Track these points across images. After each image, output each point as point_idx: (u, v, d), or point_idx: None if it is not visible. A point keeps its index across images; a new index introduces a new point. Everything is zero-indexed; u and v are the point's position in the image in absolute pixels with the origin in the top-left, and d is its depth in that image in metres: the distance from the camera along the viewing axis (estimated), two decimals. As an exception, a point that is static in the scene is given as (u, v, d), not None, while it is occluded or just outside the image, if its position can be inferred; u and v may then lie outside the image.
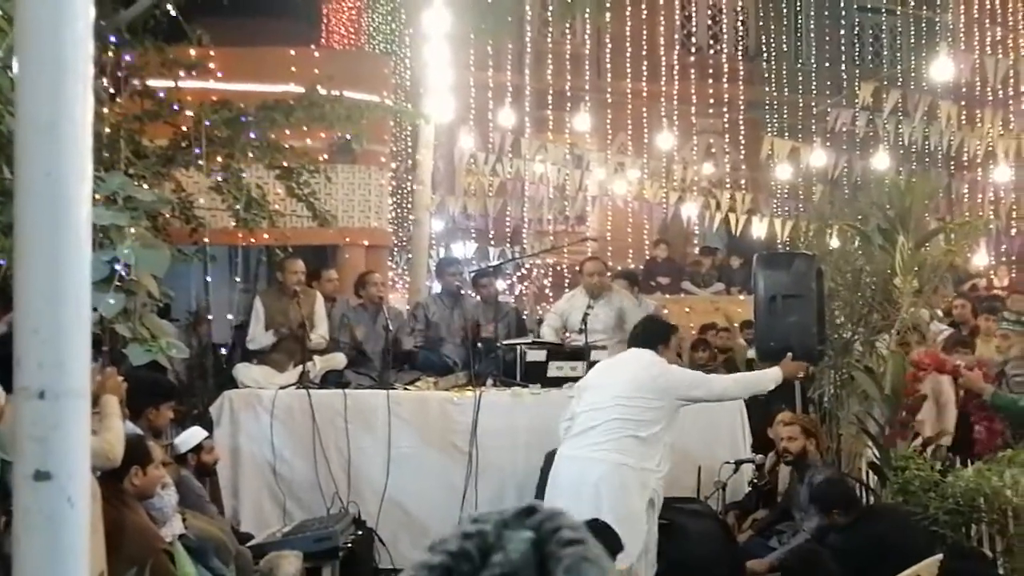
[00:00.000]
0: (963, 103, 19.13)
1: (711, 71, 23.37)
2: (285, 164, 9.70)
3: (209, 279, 9.86)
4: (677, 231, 21.62)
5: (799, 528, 7.05)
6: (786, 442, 7.33)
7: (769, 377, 6.86)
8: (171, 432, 7.62)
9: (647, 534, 6.25)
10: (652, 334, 6.73)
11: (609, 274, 10.17)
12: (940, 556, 5.48)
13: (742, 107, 23.09)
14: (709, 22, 24.43)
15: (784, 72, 23.55)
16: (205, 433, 7.37)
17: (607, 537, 5.35)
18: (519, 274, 19.49)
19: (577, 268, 12.35)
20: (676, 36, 23.56)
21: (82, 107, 1.66)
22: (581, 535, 1.14)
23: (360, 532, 7.53)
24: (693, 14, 24.09)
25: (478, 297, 9.85)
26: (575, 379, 8.42)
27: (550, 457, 7.90)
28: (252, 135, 9.25)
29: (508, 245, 20.07)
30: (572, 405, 6.56)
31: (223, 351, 10.60)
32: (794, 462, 7.40)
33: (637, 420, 6.14)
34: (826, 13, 23.73)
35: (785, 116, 22.86)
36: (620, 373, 6.38)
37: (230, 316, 10.54)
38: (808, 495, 6.90)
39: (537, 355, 8.57)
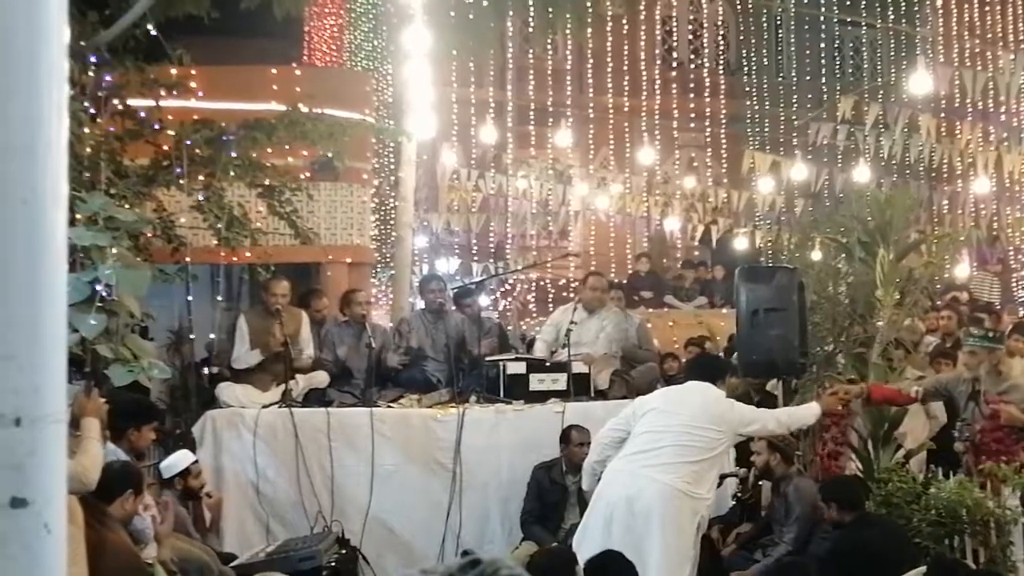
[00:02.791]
0: (943, 116, 19.24)
1: (692, 86, 23.44)
2: (267, 182, 9.68)
3: (191, 298, 9.79)
4: (661, 245, 21.70)
5: (780, 541, 7.07)
6: (754, 456, 7.43)
7: (812, 412, 7.00)
8: (153, 453, 7.59)
9: (695, 558, 6.31)
10: (714, 369, 7.06)
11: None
12: (923, 569, 5.50)
13: (723, 121, 23.17)
14: (690, 37, 24.51)
15: (765, 86, 23.62)
16: (193, 457, 7.33)
17: (621, 565, 5.36)
18: (502, 290, 19.48)
19: (572, 282, 12.39)
20: (657, 51, 23.64)
21: (57, 132, 1.65)
22: (519, 572, 1.17)
23: (344, 551, 7.50)
24: (674, 29, 24.16)
25: (462, 314, 9.83)
26: (558, 392, 8.45)
27: (537, 472, 7.93)
28: (233, 154, 9.23)
29: (491, 261, 20.06)
30: (626, 416, 6.61)
31: (206, 370, 10.55)
32: (762, 476, 7.48)
33: (699, 448, 6.28)
34: (806, 27, 23.82)
35: (766, 130, 22.94)
36: (688, 402, 6.48)
37: (212, 335, 10.51)
38: (818, 490, 6.99)
39: (517, 367, 8.58)
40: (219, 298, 11.77)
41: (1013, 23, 21.69)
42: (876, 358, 8.05)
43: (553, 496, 7.83)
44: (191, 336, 10.13)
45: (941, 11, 22.22)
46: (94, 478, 4.74)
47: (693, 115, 23.04)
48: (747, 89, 23.65)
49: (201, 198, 9.16)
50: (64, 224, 1.67)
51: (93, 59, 8.52)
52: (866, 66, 24.32)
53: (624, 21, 22.39)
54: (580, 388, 8.55)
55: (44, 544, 1.63)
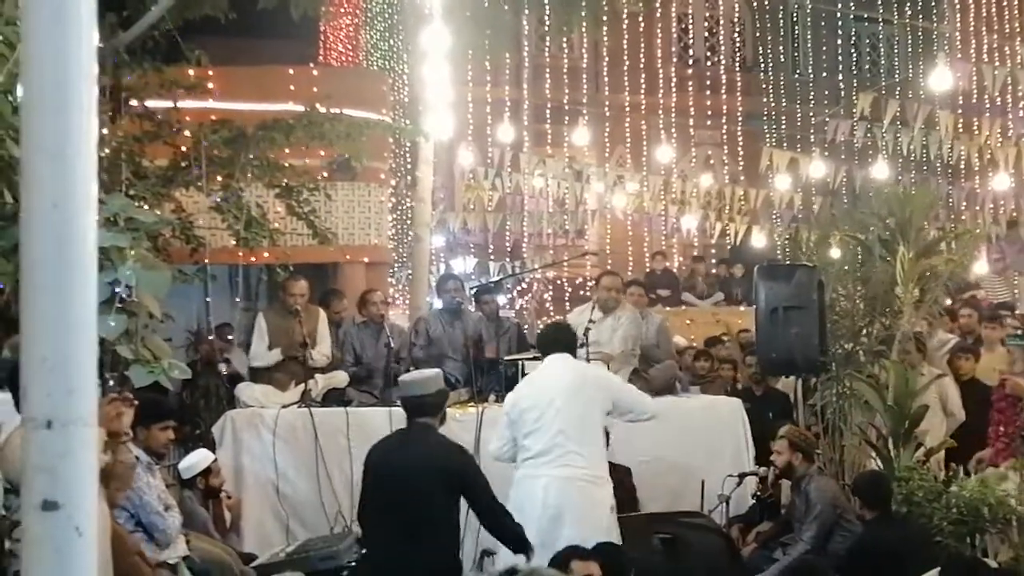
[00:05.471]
0: (961, 112, 19.14)
1: (709, 83, 23.42)
2: (285, 182, 9.70)
3: (210, 299, 9.82)
4: (679, 243, 21.69)
5: (800, 539, 7.04)
6: (775, 456, 7.38)
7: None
8: (173, 454, 7.60)
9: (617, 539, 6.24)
10: (569, 339, 6.79)
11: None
12: (937, 570, 5.47)
13: (740, 119, 23.13)
14: (706, 34, 24.49)
15: (782, 83, 23.58)
16: (212, 457, 7.35)
17: (615, 557, 5.34)
18: (519, 289, 19.48)
19: (589, 281, 12.39)
20: (673, 49, 23.62)
21: (87, 136, 1.66)
22: None
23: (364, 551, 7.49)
24: (690, 27, 24.14)
25: (479, 313, 9.81)
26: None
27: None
28: (252, 154, 9.25)
29: (508, 260, 20.07)
30: (503, 427, 6.51)
31: (222, 367, 10.57)
32: (782, 475, 7.43)
33: (580, 427, 6.18)
34: (823, 24, 23.76)
35: (784, 127, 22.89)
36: (554, 384, 6.36)
37: (231, 336, 10.54)
38: (852, 485, 6.98)
39: (536, 366, 8.54)
40: (237, 299, 11.79)
41: (1031, 18, 21.58)
42: (896, 356, 8.02)
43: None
44: (210, 336, 10.16)
45: (959, 6, 22.12)
46: None
47: (710, 112, 23.01)
48: (764, 86, 23.61)
49: (220, 199, 9.18)
50: (95, 227, 1.68)
51: (112, 61, 8.54)
52: (883, 62, 24.23)
53: (640, 19, 22.38)
54: (599, 387, 8.52)
55: (75, 546, 1.64)
